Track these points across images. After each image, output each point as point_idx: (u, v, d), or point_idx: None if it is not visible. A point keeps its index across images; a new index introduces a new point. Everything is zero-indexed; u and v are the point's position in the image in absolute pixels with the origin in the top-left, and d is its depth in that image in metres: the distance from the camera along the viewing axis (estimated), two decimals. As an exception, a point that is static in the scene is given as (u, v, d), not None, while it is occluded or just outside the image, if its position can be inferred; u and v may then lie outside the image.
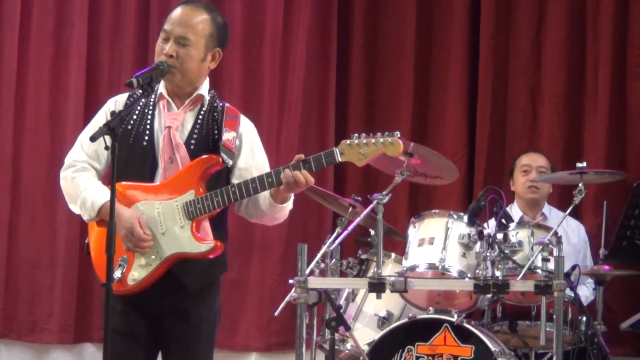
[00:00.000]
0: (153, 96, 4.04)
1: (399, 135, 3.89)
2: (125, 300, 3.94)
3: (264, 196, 4.01)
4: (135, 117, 4.03)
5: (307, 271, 4.71)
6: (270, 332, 6.84)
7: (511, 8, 6.80)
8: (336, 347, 5.02)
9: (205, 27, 4.02)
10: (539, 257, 4.83)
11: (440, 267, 4.95)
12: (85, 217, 4.01)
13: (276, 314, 4.73)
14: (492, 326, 5.49)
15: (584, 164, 5.45)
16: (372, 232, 5.40)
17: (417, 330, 5.11)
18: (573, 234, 6.22)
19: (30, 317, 7.06)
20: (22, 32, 7.15)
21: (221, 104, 4.10)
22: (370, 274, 5.20)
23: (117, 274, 3.87)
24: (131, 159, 3.98)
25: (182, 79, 3.99)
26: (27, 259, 7.07)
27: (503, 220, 5.11)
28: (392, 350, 5.10)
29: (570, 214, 5.61)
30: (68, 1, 7.18)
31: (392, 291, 4.76)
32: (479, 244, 4.96)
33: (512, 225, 5.13)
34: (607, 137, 6.52)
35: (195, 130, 4.02)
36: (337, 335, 4.94)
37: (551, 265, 4.78)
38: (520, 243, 5.02)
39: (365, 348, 5.13)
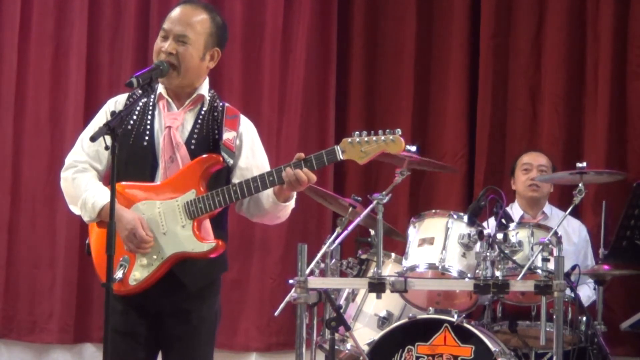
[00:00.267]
0: (153, 96, 4.04)
1: (400, 133, 3.90)
2: (125, 300, 3.93)
3: (267, 195, 4.01)
4: (135, 117, 4.02)
5: (307, 271, 4.72)
6: (270, 332, 6.84)
7: (511, 8, 6.79)
8: (336, 347, 5.02)
9: (205, 26, 4.02)
10: (539, 257, 4.83)
11: (440, 267, 4.95)
12: (86, 218, 4.01)
13: (276, 314, 4.74)
14: (492, 326, 5.49)
15: (584, 164, 5.45)
16: (372, 232, 5.40)
17: (417, 330, 5.11)
18: (574, 234, 6.22)
19: (30, 317, 7.06)
20: (22, 32, 7.15)
21: (221, 104, 4.10)
22: (370, 274, 5.20)
23: (119, 274, 3.87)
24: (131, 159, 3.98)
25: (182, 78, 3.99)
26: (27, 259, 7.07)
27: (503, 220, 5.11)
28: (392, 350, 5.10)
29: (571, 214, 5.62)
30: (68, 1, 7.19)
31: (392, 291, 4.76)
32: (479, 244, 4.97)
33: (512, 225, 5.13)
34: (607, 137, 6.51)
35: (196, 130, 4.02)
36: (337, 335, 4.95)
37: (551, 265, 4.79)
38: (520, 243, 5.02)
39: (365, 348, 5.13)
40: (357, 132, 3.92)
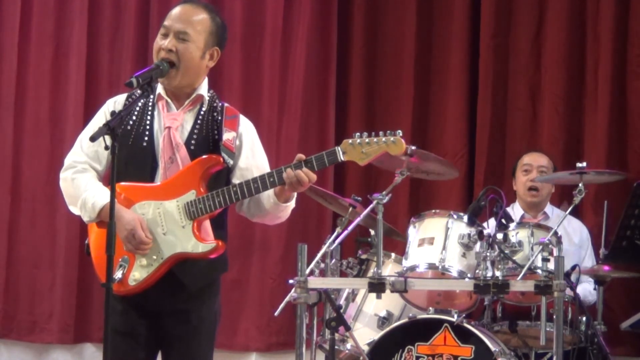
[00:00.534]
0: (152, 97, 4.04)
1: (401, 134, 3.90)
2: (125, 300, 3.93)
3: (268, 195, 4.01)
4: (134, 117, 4.02)
5: (307, 271, 4.71)
6: (270, 332, 6.84)
7: (511, 8, 6.79)
8: (336, 347, 5.02)
9: (205, 25, 4.02)
10: (539, 257, 4.83)
11: (440, 267, 4.95)
12: (86, 219, 4.01)
13: (276, 314, 4.73)
14: (492, 326, 5.49)
15: (584, 164, 5.45)
16: (372, 232, 5.40)
17: (417, 330, 5.11)
18: (575, 234, 6.22)
19: (30, 317, 7.06)
20: (22, 32, 7.15)
21: (220, 104, 4.09)
22: (370, 274, 5.20)
23: (118, 274, 3.87)
24: (131, 159, 3.97)
25: (181, 76, 3.99)
26: (27, 259, 7.07)
27: (503, 220, 5.10)
28: (392, 350, 5.10)
29: (571, 214, 5.61)
30: (68, 1, 7.18)
31: (392, 291, 4.75)
32: (479, 244, 4.96)
33: (512, 225, 5.12)
34: (607, 137, 6.51)
35: (195, 131, 4.02)
36: (337, 335, 4.94)
37: (551, 265, 4.78)
38: (520, 243, 5.01)
39: (365, 348, 5.13)
40: (358, 133, 3.92)
